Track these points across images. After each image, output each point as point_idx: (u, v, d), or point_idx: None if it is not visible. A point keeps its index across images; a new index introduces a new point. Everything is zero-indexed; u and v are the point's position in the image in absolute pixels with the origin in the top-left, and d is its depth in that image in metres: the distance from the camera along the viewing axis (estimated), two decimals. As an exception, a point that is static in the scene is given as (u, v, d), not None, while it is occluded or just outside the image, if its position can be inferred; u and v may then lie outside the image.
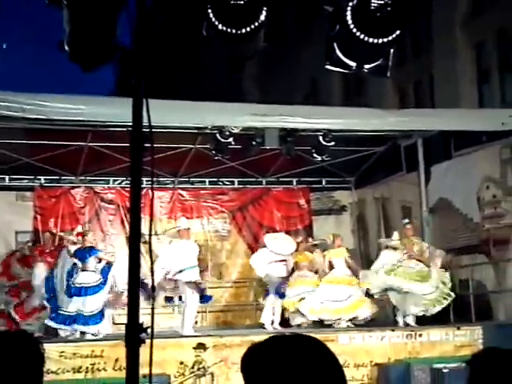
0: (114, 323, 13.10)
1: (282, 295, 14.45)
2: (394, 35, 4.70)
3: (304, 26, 27.10)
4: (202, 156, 15.07)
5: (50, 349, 10.48)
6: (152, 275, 3.60)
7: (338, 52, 4.91)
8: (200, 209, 17.37)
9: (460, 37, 21.15)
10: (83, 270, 12.85)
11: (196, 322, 15.60)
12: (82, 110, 11.61)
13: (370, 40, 4.69)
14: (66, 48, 4.02)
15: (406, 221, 14.42)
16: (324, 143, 13.84)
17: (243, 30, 4.48)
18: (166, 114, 11.14)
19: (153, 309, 3.70)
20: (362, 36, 4.68)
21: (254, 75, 31.38)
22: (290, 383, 1.91)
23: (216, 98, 13.79)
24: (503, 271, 13.51)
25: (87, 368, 10.86)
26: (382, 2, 4.60)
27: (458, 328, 12.43)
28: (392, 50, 4.93)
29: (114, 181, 16.68)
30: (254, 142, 13.78)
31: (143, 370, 3.42)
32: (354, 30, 4.69)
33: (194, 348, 11.29)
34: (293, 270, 14.73)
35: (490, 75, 20.43)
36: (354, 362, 11.72)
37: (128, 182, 15.18)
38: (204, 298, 13.60)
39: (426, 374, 11.15)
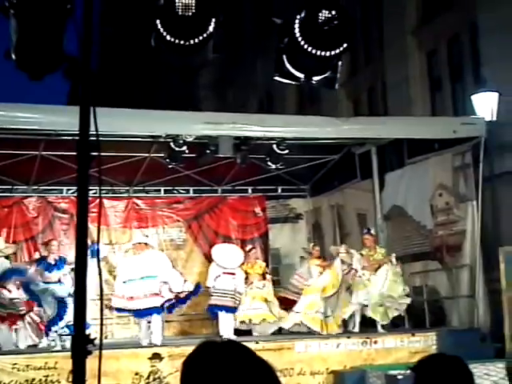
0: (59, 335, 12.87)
1: (228, 309, 14.20)
2: (341, 48, 4.74)
3: (259, 35, 27.21)
4: (157, 165, 15.00)
5: (3, 360, 10.35)
6: (100, 283, 3.57)
7: (286, 64, 4.93)
8: (155, 218, 17.29)
9: (411, 45, 21.40)
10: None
11: (152, 332, 15.53)
12: (35, 118, 11.51)
13: (318, 53, 4.72)
14: (13, 57, 3.98)
15: (365, 230, 14.43)
16: (278, 151, 13.88)
17: (192, 42, 4.48)
18: (120, 122, 11.11)
19: (101, 319, 3.68)
20: (309, 49, 4.71)
21: (209, 83, 31.39)
22: None
23: (170, 106, 13.77)
24: (456, 277, 13.66)
25: (40, 380, 10.71)
26: (330, 16, 4.64)
27: (413, 334, 12.54)
28: (340, 63, 4.97)
29: (68, 190, 16.49)
30: (208, 151, 13.75)
31: (95, 382, 3.39)
32: (302, 43, 4.72)
33: (149, 358, 11.21)
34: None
35: (442, 83, 20.70)
36: (310, 370, 11.76)
37: (81, 191, 15.06)
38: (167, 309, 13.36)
39: (381, 380, 11.22)
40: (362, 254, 13.75)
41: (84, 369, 3.23)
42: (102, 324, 3.26)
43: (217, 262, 14.66)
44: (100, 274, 3.56)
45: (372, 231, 14.24)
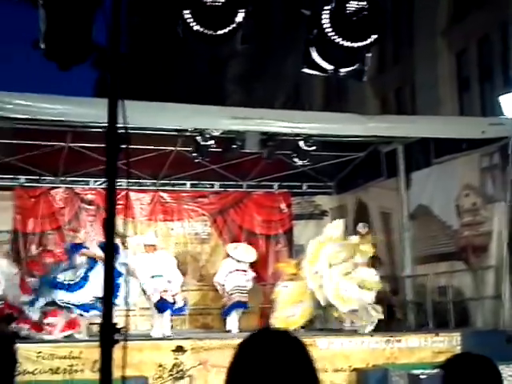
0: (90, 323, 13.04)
1: (241, 305, 14.89)
2: (370, 39, 4.71)
3: (288, 29, 27.13)
4: (183, 159, 15.04)
5: (28, 349, 10.43)
6: (126, 274, 3.59)
7: (315, 55, 4.91)
8: (181, 211, 17.35)
9: (441, 44, 21.25)
10: None
11: (172, 326, 15.62)
12: (62, 110, 11.56)
13: (347, 44, 4.70)
14: (42, 46, 3.99)
15: (361, 225, 14.37)
16: (305, 148, 13.88)
17: (220, 32, 4.47)
18: (147, 115, 11.14)
19: (127, 309, 3.70)
20: (338, 40, 4.68)
21: (236, 78, 31.38)
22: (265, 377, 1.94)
23: (197, 101, 13.78)
24: (481, 278, 13.55)
25: (65, 369, 10.79)
26: (359, 7, 4.61)
27: (437, 334, 12.47)
28: (369, 55, 4.94)
29: (95, 182, 16.60)
30: (234, 146, 13.77)
31: (120, 372, 3.40)
32: (331, 34, 4.70)
33: (172, 351, 11.25)
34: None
35: (471, 83, 20.54)
36: (332, 367, 11.73)
37: (108, 183, 15.20)
38: (175, 310, 13.68)
39: (404, 379, 11.17)
40: None
41: (111, 357, 3.25)
42: (127, 315, 3.28)
43: (232, 256, 15.16)
44: (126, 267, 3.57)
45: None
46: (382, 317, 13.51)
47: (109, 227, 3.59)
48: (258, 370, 1.95)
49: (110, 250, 3.55)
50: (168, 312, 13.34)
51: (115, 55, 3.37)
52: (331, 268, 13.56)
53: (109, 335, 3.36)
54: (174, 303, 13.41)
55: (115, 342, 3.37)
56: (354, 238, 14.02)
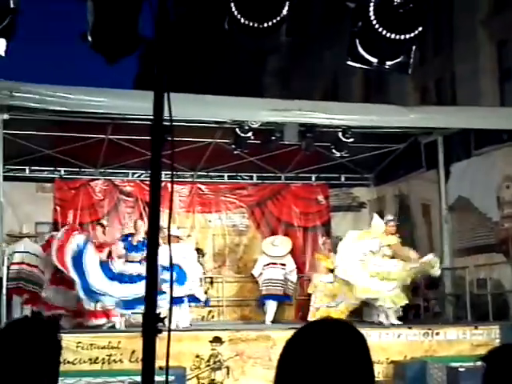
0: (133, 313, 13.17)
1: (276, 298, 15.08)
2: (416, 32, 4.68)
3: (328, 22, 27.03)
4: (221, 150, 15.10)
5: (68, 339, 10.55)
6: (171, 267, 3.62)
7: (359, 48, 4.89)
8: (219, 203, 17.40)
9: (482, 35, 21.03)
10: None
11: (213, 316, 15.69)
12: (103, 102, 11.67)
13: (392, 36, 4.67)
14: (90, 39, 4.04)
15: (389, 218, 14.26)
16: (343, 139, 13.86)
17: (265, 24, 4.48)
18: (186, 107, 11.16)
19: (171, 300, 3.73)
20: (384, 32, 4.66)
21: (275, 70, 31.35)
22: (318, 371, 1.93)
23: (236, 93, 13.81)
24: (522, 271, 13.43)
25: (103, 359, 10.92)
26: (405, -1, 4.59)
27: (476, 327, 12.38)
28: (414, 47, 4.91)
29: (134, 174, 16.74)
30: (273, 137, 13.79)
31: (159, 362, 3.43)
32: (377, 26, 4.68)
33: (210, 341, 11.32)
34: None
35: (512, 74, 20.31)
36: (370, 359, 11.69)
37: (147, 175, 15.42)
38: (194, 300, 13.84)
39: (443, 372, 11.11)
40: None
41: (154, 347, 3.28)
42: (171, 307, 3.31)
43: (265, 252, 15.37)
44: (170, 257, 3.61)
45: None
46: (405, 303, 13.34)
47: (153, 220, 3.61)
48: (313, 361, 1.94)
49: (154, 242, 3.58)
50: (185, 304, 13.31)
51: (162, 48, 3.40)
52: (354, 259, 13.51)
53: (152, 325, 3.38)
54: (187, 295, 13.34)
55: (158, 331, 3.40)
56: (380, 229, 13.89)
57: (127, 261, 12.96)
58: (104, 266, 12.85)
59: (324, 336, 1.98)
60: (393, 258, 13.58)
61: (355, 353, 1.98)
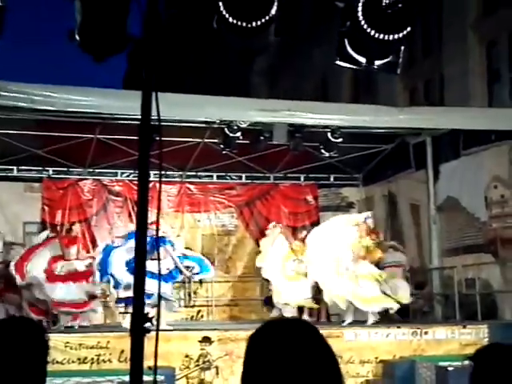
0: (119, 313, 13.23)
1: None
2: (404, 32, 4.69)
3: (317, 21, 27.05)
4: (210, 150, 15.09)
5: (56, 339, 10.52)
6: (159, 266, 3.61)
7: (348, 48, 4.90)
8: (207, 203, 17.40)
9: (471, 36, 21.11)
10: None
11: (202, 316, 15.68)
12: (91, 102, 11.63)
13: (381, 36, 4.68)
14: (77, 38, 4.02)
15: (367, 215, 14.25)
16: (332, 140, 13.87)
17: (254, 24, 4.47)
18: (175, 107, 11.14)
19: (159, 299, 3.73)
20: (372, 32, 4.67)
21: (263, 70, 31.34)
22: (285, 366, 1.94)
23: (225, 92, 13.81)
24: (510, 271, 13.48)
25: (92, 359, 10.90)
26: (394, -1, 4.59)
27: (464, 326, 12.40)
28: (403, 47, 4.91)
29: (122, 173, 16.70)
30: (262, 137, 13.79)
31: (148, 362, 3.42)
32: (365, 27, 4.68)
33: (199, 341, 11.31)
34: None
35: (501, 75, 20.38)
36: (359, 359, 11.72)
37: (136, 174, 15.31)
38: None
39: (431, 371, 11.13)
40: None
41: (142, 347, 3.27)
42: (159, 306, 3.30)
43: None
44: (158, 257, 3.60)
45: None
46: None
47: (141, 219, 3.60)
48: (274, 360, 1.96)
49: (143, 241, 3.57)
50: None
51: (150, 47, 3.39)
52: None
53: (140, 324, 3.37)
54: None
55: (146, 331, 3.39)
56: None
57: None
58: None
59: (285, 333, 2.02)
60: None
61: (314, 347, 2.01)
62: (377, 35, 4.69)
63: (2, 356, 2.37)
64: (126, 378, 9.33)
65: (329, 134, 13.80)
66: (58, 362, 10.44)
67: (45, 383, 2.47)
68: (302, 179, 17.87)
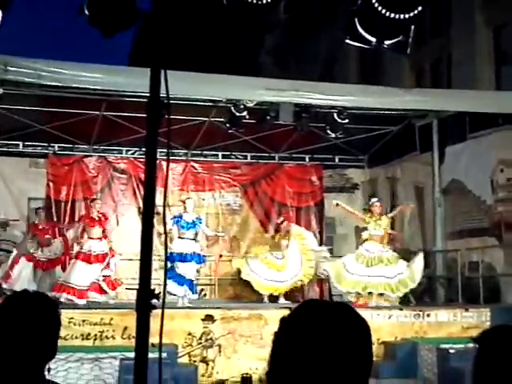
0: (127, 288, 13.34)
1: None
2: (415, 11, 4.65)
3: (325, 1, 26.87)
4: (216, 129, 15.07)
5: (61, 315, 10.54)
6: (165, 245, 3.60)
7: (358, 27, 4.87)
8: (212, 182, 17.39)
9: (479, 18, 20.95)
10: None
11: (205, 295, 15.74)
12: (98, 78, 11.62)
13: (392, 15, 4.65)
14: (86, 12, 4.00)
15: (375, 199, 14.27)
16: (339, 120, 13.84)
17: (264, 1, 4.44)
18: (181, 85, 11.09)
19: (165, 277, 3.72)
20: (383, 11, 4.63)
21: (271, 50, 31.21)
22: (321, 347, 1.91)
23: (232, 71, 13.76)
24: (513, 254, 13.49)
25: (96, 335, 10.95)
26: (405, -22, 4.55)
27: (466, 309, 12.43)
28: (413, 27, 4.88)
29: (127, 151, 16.70)
30: (268, 117, 13.76)
31: (152, 339, 3.42)
32: (376, 5, 4.65)
33: (202, 319, 11.35)
34: None
35: (509, 57, 20.26)
36: (360, 339, 11.73)
37: (141, 152, 15.40)
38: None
39: (433, 353, 11.16)
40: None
41: (148, 323, 3.27)
42: (165, 284, 3.30)
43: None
44: (165, 235, 3.60)
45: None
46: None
47: (148, 197, 3.60)
48: (310, 341, 1.92)
49: (149, 219, 3.57)
50: None
51: (160, 23, 3.37)
52: None
53: (146, 301, 3.37)
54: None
55: (152, 307, 3.39)
56: None
57: (179, 237, 13.20)
58: None
59: (323, 316, 1.97)
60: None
61: (354, 334, 1.97)
62: (387, 14, 4.66)
63: (14, 329, 2.38)
64: (129, 355, 9.37)
65: (335, 115, 13.78)
66: (61, 338, 10.36)
67: (54, 357, 2.49)
68: (307, 160, 17.85)
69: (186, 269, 12.86)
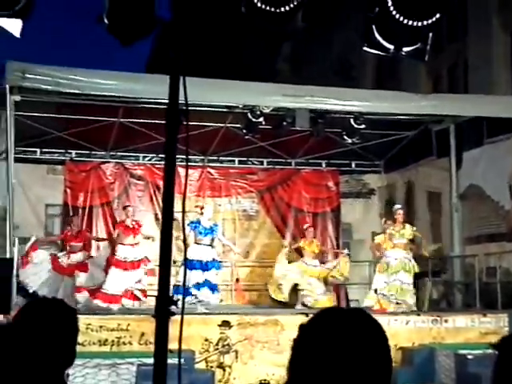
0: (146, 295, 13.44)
1: None
2: (434, 18, 4.65)
3: (340, 7, 26.89)
4: (232, 135, 15.10)
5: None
6: (185, 251, 3.62)
7: (376, 34, 4.86)
8: (229, 188, 17.39)
9: (496, 23, 20.91)
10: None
11: (221, 300, 15.77)
12: (116, 85, 11.68)
13: (410, 23, 4.64)
14: (106, 21, 4.03)
15: (398, 206, 14.24)
16: (355, 126, 13.85)
17: (282, 9, 4.45)
18: (197, 91, 11.05)
19: (184, 283, 3.74)
20: (401, 18, 4.63)
21: (287, 56, 31.26)
22: (340, 355, 1.91)
23: (248, 77, 13.80)
24: (531, 260, 13.42)
25: (113, 341, 10.98)
26: (423, -15, 4.55)
27: (484, 315, 12.38)
28: (431, 34, 4.87)
29: (144, 157, 16.74)
30: (284, 123, 13.78)
31: (170, 345, 3.44)
32: (394, 13, 4.64)
33: (218, 325, 11.36)
34: None
35: (525, 62, 20.20)
36: (378, 345, 11.69)
37: (158, 158, 15.43)
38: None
39: (451, 359, 11.13)
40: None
41: (167, 329, 3.29)
42: (184, 288, 3.31)
43: None
44: (185, 241, 3.60)
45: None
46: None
47: (167, 203, 3.62)
48: (329, 348, 1.92)
49: (168, 225, 3.58)
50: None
51: (179, 30, 3.39)
52: None
53: (165, 307, 3.39)
54: None
55: (171, 313, 3.41)
56: None
57: (196, 243, 13.26)
58: None
59: (342, 323, 1.98)
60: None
61: (373, 341, 1.97)
62: (406, 21, 4.66)
63: (33, 336, 2.40)
64: (147, 360, 9.39)
65: (351, 120, 13.78)
66: (79, 344, 10.40)
67: (73, 363, 2.51)
68: (324, 165, 17.83)
69: (209, 276, 12.95)
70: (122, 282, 13.42)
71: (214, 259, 13.25)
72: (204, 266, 12.96)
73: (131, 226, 13.90)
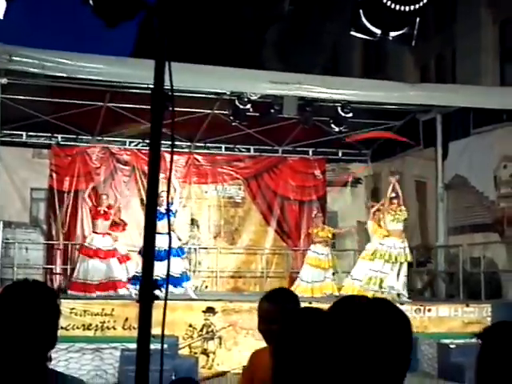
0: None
1: None
2: (420, 3, 4.64)
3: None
4: (219, 122, 15.06)
5: (61, 305, 10.56)
6: (169, 236, 3.60)
7: (363, 19, 4.85)
8: (215, 174, 17.37)
9: (484, 13, 20.89)
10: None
11: (206, 287, 15.77)
12: (102, 69, 11.61)
13: (397, 7, 4.64)
14: (91, 2, 3.98)
15: (393, 195, 14.23)
16: (342, 114, 13.83)
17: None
18: (185, 77, 11.09)
19: (168, 268, 3.72)
20: (388, 3, 4.62)
21: (275, 42, 31.14)
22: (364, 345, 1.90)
23: (236, 64, 13.74)
24: (515, 251, 13.49)
25: (97, 326, 10.97)
26: (411, -31, 4.54)
27: (467, 305, 12.44)
28: (418, 19, 4.87)
29: (131, 142, 16.68)
30: (272, 110, 13.75)
31: (153, 330, 3.42)
32: (381, -3, 4.64)
33: (203, 311, 11.37)
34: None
35: (513, 53, 20.21)
36: (361, 334, 11.73)
37: (144, 144, 15.36)
38: None
39: (433, 348, 11.19)
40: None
41: (150, 313, 3.27)
42: (168, 275, 3.30)
43: None
44: (169, 228, 3.58)
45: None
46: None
47: (151, 190, 3.59)
48: (352, 337, 1.90)
49: (152, 210, 3.56)
50: None
51: (164, 15, 3.35)
52: None
53: (149, 291, 3.37)
54: None
55: (155, 297, 3.39)
56: None
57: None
58: None
59: (365, 311, 1.97)
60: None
61: (397, 330, 1.97)
62: (393, 6, 4.65)
63: (14, 318, 2.38)
64: (130, 345, 9.39)
65: (339, 109, 13.77)
66: (62, 328, 10.48)
67: (54, 347, 2.49)
68: (311, 153, 17.83)
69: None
70: (97, 271, 13.34)
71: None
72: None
73: (102, 212, 13.78)
